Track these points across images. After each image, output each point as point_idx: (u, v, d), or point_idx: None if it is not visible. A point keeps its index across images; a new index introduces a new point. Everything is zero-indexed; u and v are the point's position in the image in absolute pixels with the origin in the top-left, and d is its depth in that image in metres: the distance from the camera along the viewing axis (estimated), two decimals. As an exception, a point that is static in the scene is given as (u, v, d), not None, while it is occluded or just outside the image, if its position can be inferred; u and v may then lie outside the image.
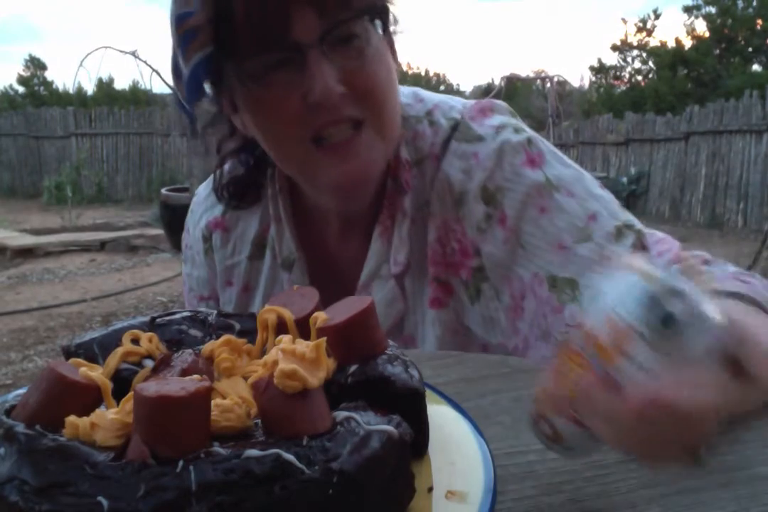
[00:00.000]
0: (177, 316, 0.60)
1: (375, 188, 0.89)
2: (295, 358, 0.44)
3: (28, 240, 8.42)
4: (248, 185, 1.01)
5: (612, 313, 0.41)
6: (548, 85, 11.11)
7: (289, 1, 0.73)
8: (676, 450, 0.43)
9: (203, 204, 1.09)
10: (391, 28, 0.85)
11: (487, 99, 0.96)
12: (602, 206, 0.84)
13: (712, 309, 0.40)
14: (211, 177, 1.07)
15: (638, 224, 0.85)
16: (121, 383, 0.50)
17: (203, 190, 1.10)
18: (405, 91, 0.97)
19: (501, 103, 0.94)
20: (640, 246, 0.81)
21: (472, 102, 0.95)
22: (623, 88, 20.59)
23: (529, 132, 0.89)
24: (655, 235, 0.84)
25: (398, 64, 0.89)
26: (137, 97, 19.12)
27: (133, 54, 8.80)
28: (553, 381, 0.46)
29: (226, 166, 1.01)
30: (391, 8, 0.83)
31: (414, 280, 0.93)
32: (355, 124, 0.80)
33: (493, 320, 0.89)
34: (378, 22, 0.80)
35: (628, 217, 0.85)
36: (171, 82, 0.89)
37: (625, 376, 0.41)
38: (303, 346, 0.46)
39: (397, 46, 0.88)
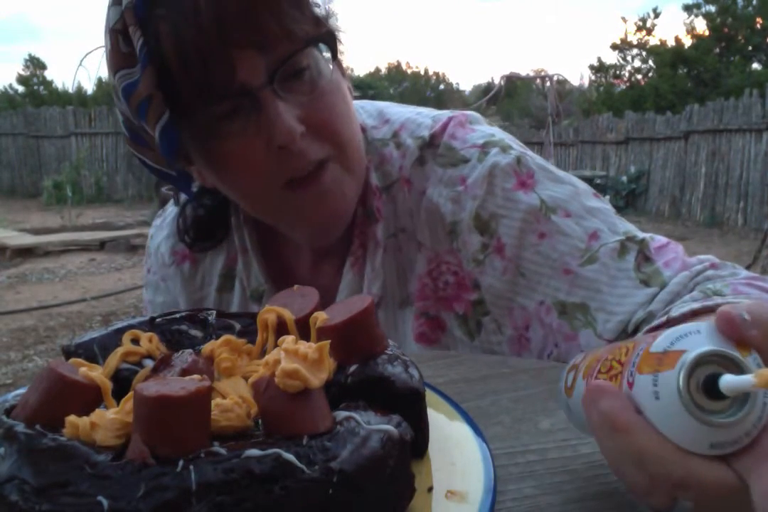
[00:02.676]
0: (177, 316, 0.60)
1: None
2: (298, 358, 0.44)
3: (28, 239, 8.43)
4: (212, 225, 0.96)
5: (676, 345, 0.40)
6: (548, 84, 11.11)
7: (227, 45, 0.68)
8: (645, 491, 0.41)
9: (166, 229, 1.03)
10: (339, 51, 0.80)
11: (460, 111, 0.90)
12: (601, 221, 0.80)
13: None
14: (171, 202, 1.03)
15: (639, 233, 0.81)
16: (121, 383, 0.50)
17: (167, 215, 1.04)
18: (370, 110, 0.93)
19: (474, 114, 0.90)
20: (644, 258, 0.78)
21: (443, 115, 0.89)
22: (623, 86, 20.61)
23: (516, 147, 0.85)
24: (656, 241, 0.80)
25: (348, 83, 0.84)
26: (137, 96, 19.09)
27: (133, 53, 8.77)
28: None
29: (187, 210, 0.96)
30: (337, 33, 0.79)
31: (388, 311, 0.89)
32: (319, 163, 0.76)
33: (495, 353, 0.86)
34: (325, 49, 0.76)
35: (627, 227, 0.82)
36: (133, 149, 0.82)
37: (638, 392, 0.40)
38: (306, 347, 0.46)
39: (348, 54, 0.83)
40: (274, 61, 0.70)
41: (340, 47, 0.79)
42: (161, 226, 1.04)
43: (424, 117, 0.90)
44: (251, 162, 0.74)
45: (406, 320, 0.88)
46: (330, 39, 0.76)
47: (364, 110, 0.92)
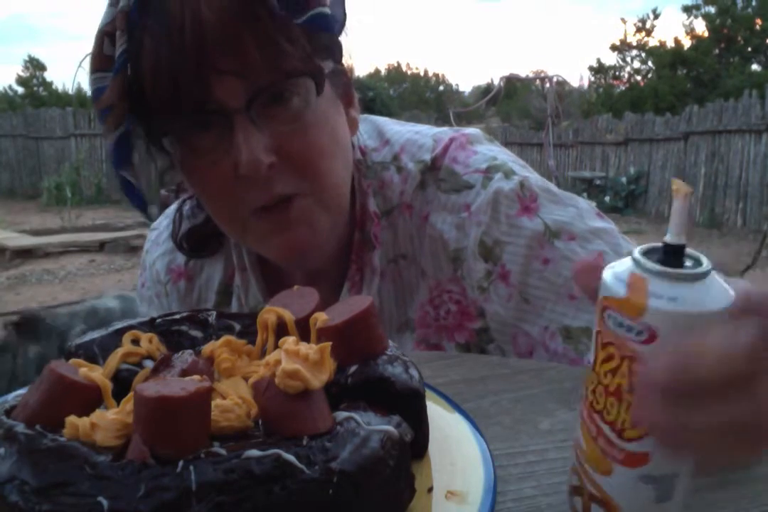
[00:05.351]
0: (177, 317, 0.60)
1: (339, 244, 0.85)
2: (299, 359, 0.44)
3: (28, 240, 8.42)
4: (208, 235, 0.94)
5: (623, 277, 0.41)
6: (547, 85, 11.12)
7: (205, 68, 0.66)
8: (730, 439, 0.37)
9: (162, 246, 1.01)
10: (345, 65, 0.79)
11: (460, 131, 0.88)
12: (605, 243, 0.80)
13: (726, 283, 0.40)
14: (170, 209, 1.02)
15: None
16: (121, 383, 0.50)
17: (163, 229, 1.02)
18: (368, 128, 0.91)
19: (475, 131, 0.89)
20: None
21: (444, 135, 0.87)
22: (622, 87, 20.62)
23: (518, 171, 0.83)
24: None
25: (354, 113, 0.83)
26: (136, 97, 19.09)
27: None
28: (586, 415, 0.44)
29: (185, 210, 0.95)
30: (348, 60, 0.78)
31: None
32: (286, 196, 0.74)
33: None
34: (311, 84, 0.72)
35: (630, 248, 0.81)
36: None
37: (658, 316, 0.39)
38: (307, 348, 0.46)
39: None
40: (253, 88, 0.69)
41: (349, 77, 0.78)
42: (157, 242, 1.03)
43: (424, 137, 0.88)
44: (218, 183, 0.73)
45: (403, 345, 0.88)
46: (317, 75, 0.72)
47: (363, 130, 0.90)
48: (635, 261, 0.41)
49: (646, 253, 0.41)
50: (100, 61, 0.71)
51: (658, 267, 0.40)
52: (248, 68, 0.68)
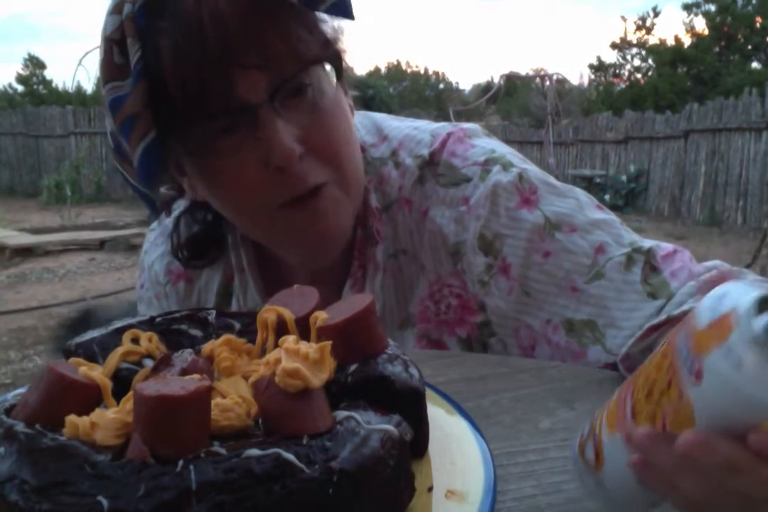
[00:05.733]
0: (177, 316, 0.60)
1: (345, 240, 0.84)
2: (299, 358, 0.44)
3: (28, 239, 8.41)
4: (207, 244, 0.93)
5: (720, 309, 0.36)
6: (547, 83, 11.11)
7: (230, 64, 0.66)
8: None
9: (160, 247, 1.00)
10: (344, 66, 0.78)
11: (458, 126, 0.88)
12: (607, 233, 0.80)
13: None
14: (169, 214, 0.99)
15: (645, 243, 0.80)
16: (121, 382, 0.50)
17: (163, 228, 1.00)
18: (367, 125, 0.91)
19: (473, 126, 0.89)
20: (651, 268, 0.77)
21: (442, 130, 0.87)
22: (622, 85, 20.62)
23: (516, 163, 0.83)
24: (662, 249, 0.79)
25: (349, 100, 0.82)
26: (136, 95, 19.07)
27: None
28: (624, 392, 0.43)
29: (181, 224, 0.93)
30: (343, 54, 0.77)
31: (386, 332, 0.89)
32: (316, 186, 0.74)
33: None
34: (331, 69, 0.73)
35: (632, 237, 0.81)
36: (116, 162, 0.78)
37: (712, 373, 0.35)
38: (307, 347, 0.46)
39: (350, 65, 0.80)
40: (276, 80, 0.68)
41: (344, 65, 0.77)
42: (156, 243, 1.02)
43: (422, 132, 0.88)
44: (246, 181, 0.72)
45: (405, 342, 0.88)
46: (336, 59, 0.74)
47: (362, 126, 0.90)
48: (743, 308, 0.35)
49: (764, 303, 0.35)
50: (113, 69, 0.69)
51: (758, 330, 0.34)
52: (271, 60, 0.68)
